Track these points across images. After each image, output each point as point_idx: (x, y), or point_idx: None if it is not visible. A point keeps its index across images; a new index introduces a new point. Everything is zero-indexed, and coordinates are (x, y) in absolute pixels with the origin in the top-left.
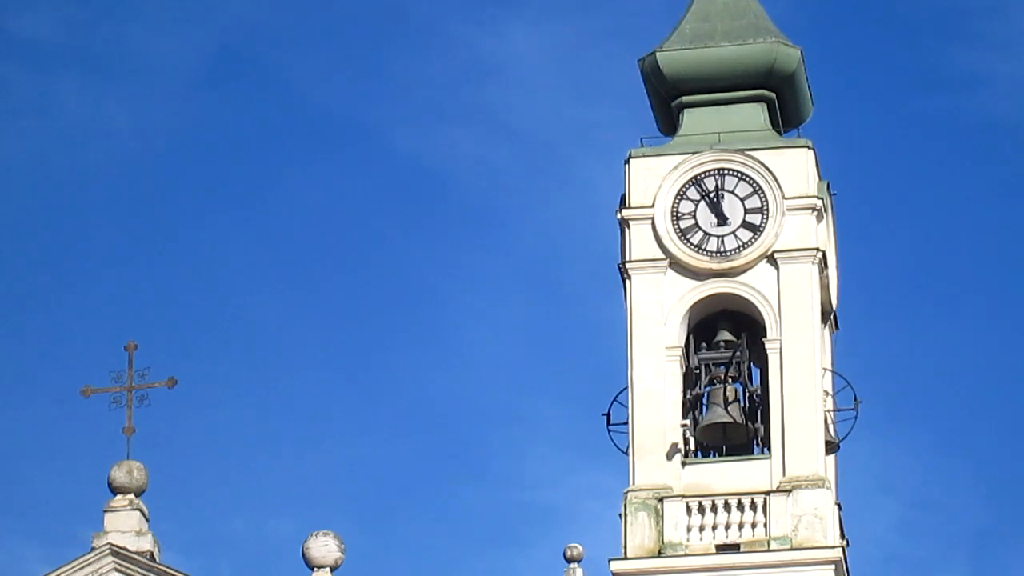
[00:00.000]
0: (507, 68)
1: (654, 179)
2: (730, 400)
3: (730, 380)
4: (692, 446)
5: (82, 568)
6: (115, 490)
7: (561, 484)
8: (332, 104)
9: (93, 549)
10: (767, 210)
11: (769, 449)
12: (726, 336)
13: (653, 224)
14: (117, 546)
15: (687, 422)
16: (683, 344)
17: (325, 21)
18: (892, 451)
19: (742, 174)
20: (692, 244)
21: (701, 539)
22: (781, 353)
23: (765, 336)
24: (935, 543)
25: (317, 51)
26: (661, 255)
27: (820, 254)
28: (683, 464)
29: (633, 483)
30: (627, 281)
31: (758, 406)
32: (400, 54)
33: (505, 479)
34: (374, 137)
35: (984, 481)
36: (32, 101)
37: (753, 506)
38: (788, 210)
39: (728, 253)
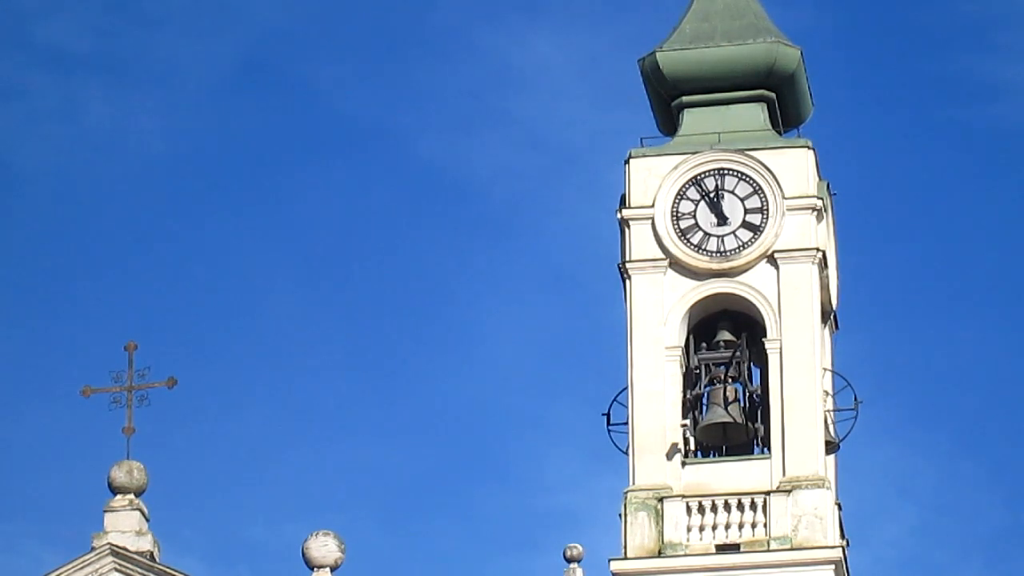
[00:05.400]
0: (530, 76)
1: (654, 179)
2: (730, 400)
3: (730, 380)
4: (692, 446)
5: (82, 568)
6: (115, 490)
7: (579, 488)
8: (356, 111)
9: (93, 549)
10: (767, 210)
11: (769, 449)
12: (726, 336)
13: (653, 224)
14: (117, 546)
15: (687, 422)
16: (683, 344)
17: (350, 29)
18: (908, 454)
19: (742, 174)
20: (692, 244)
21: (701, 539)
22: (781, 353)
23: (765, 336)
24: (952, 546)
25: (342, 58)
26: (661, 255)
27: (820, 254)
28: (683, 464)
29: (633, 483)
30: (627, 281)
31: (758, 406)
32: (424, 62)
33: (523, 483)
34: (397, 144)
35: (1000, 484)
36: (57, 107)
37: (753, 506)
38: (788, 210)
39: (728, 253)
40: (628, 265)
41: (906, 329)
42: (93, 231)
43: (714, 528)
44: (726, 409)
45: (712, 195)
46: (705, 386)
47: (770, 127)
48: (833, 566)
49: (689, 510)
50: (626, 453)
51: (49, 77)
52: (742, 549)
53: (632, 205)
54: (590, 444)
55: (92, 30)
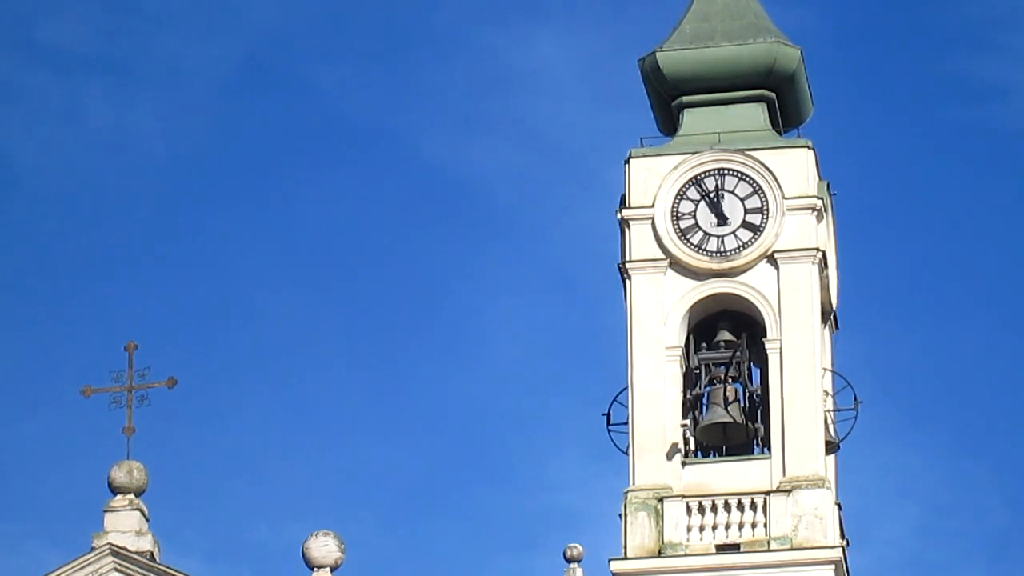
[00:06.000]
0: (533, 76)
1: (654, 179)
2: (730, 400)
3: (730, 380)
4: (692, 446)
5: (82, 568)
6: (115, 490)
7: (579, 488)
8: (358, 111)
9: (93, 549)
10: (767, 210)
11: (769, 449)
12: (726, 336)
13: (653, 224)
14: (117, 546)
15: (687, 422)
16: (683, 344)
17: (352, 29)
18: (909, 454)
19: (742, 174)
20: (692, 244)
21: (701, 539)
22: (781, 353)
23: (765, 336)
24: (954, 546)
25: (343, 59)
26: (661, 255)
27: (820, 254)
28: (683, 464)
29: (633, 483)
30: (627, 281)
31: (758, 406)
32: (427, 62)
33: (523, 483)
34: (399, 144)
35: (1001, 484)
36: (59, 108)
37: (753, 506)
38: (788, 210)
39: (728, 253)
40: (628, 265)
41: (906, 329)
42: (94, 231)
43: (714, 528)
44: (726, 409)
45: (712, 195)
46: (705, 386)
47: (770, 127)
48: (833, 566)
49: (689, 510)
50: (626, 453)
51: (51, 78)
52: (742, 549)
53: (632, 205)
54: (590, 444)
55: (94, 31)
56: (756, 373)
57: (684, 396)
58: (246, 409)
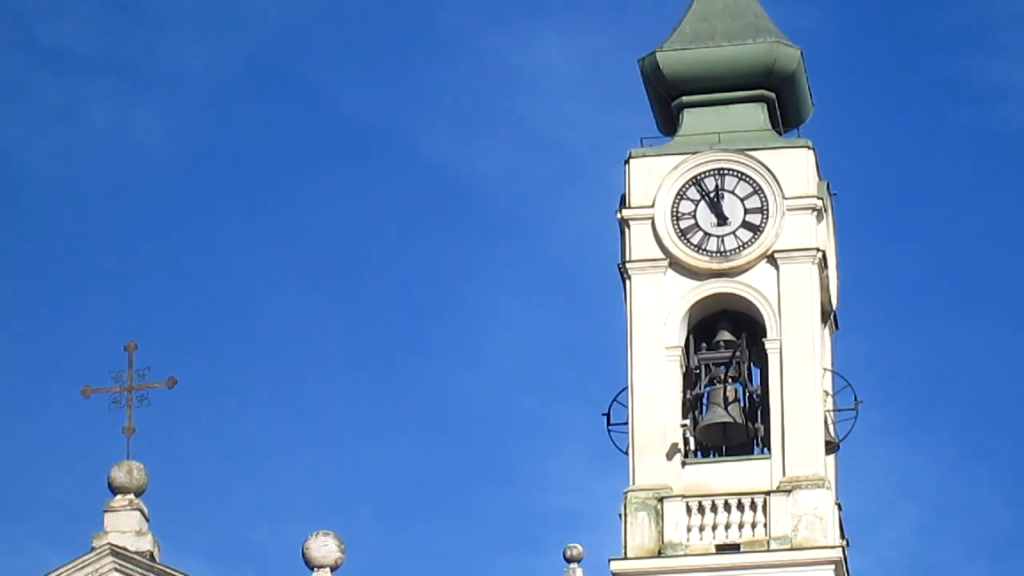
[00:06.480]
0: (534, 77)
1: (654, 179)
2: (730, 400)
3: (730, 380)
4: (692, 446)
5: (82, 568)
6: (115, 490)
7: (579, 488)
8: (360, 112)
9: (93, 549)
10: (767, 210)
11: (769, 449)
12: (726, 336)
13: (653, 224)
14: (117, 546)
15: (687, 422)
16: (683, 344)
17: (354, 30)
18: (909, 454)
19: (742, 174)
20: (692, 244)
21: (701, 539)
22: (781, 353)
23: (765, 336)
24: (954, 546)
25: (345, 60)
26: (661, 255)
27: (820, 254)
28: (683, 464)
29: (633, 483)
30: (627, 281)
31: (758, 406)
32: (429, 63)
33: (523, 483)
34: (400, 144)
35: (1002, 484)
36: (61, 109)
37: (753, 506)
38: (788, 210)
39: (728, 253)
40: (628, 265)
41: (906, 329)
42: (95, 232)
43: (714, 528)
44: (726, 409)
45: (712, 195)
46: (705, 386)
47: (770, 127)
48: (833, 566)
49: (689, 510)
50: (626, 453)
51: (53, 78)
52: (742, 549)
53: (632, 205)
54: (590, 444)
55: (96, 32)
56: (756, 373)
57: (684, 396)
58: (246, 409)
